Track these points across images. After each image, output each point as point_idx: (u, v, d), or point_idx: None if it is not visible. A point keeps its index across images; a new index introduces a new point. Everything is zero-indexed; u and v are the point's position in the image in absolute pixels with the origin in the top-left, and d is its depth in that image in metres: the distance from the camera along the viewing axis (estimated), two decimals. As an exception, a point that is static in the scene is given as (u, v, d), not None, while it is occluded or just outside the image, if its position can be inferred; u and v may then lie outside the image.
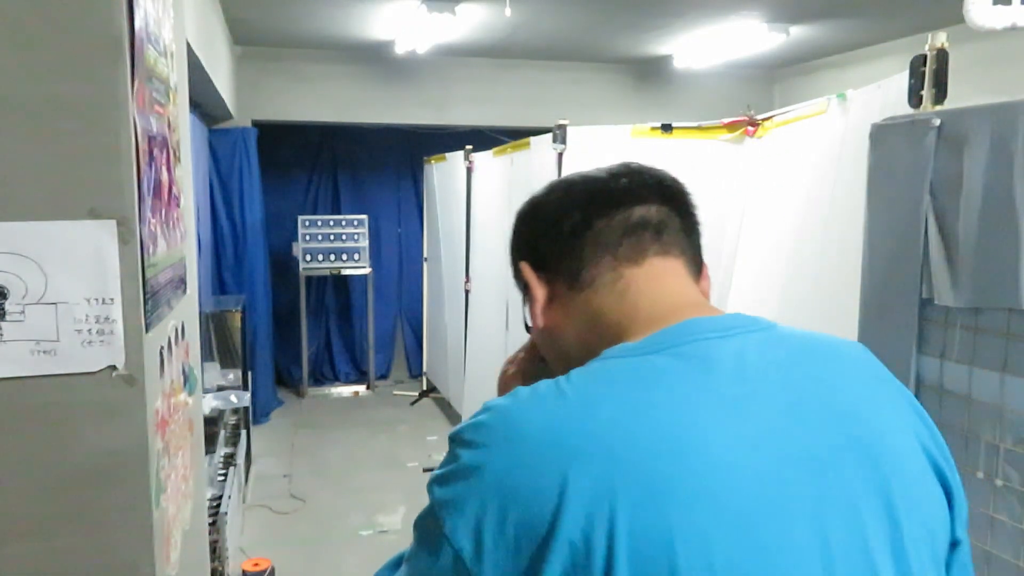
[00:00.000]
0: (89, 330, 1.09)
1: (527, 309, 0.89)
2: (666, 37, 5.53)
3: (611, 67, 6.70)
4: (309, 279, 6.90)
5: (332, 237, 6.82)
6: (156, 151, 1.28)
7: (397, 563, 0.80)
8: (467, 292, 5.34)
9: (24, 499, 1.10)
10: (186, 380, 1.56)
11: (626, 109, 6.59)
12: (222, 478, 3.62)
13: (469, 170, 5.29)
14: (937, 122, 1.88)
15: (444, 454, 0.72)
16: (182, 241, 1.57)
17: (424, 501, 0.71)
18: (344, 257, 6.84)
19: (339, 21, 5.11)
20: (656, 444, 0.66)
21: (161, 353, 1.29)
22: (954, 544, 0.77)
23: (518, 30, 5.28)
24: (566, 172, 1.48)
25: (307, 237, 6.75)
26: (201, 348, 2.15)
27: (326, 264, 6.79)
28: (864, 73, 5.43)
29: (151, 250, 1.21)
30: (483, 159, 5.06)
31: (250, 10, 4.82)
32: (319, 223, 6.83)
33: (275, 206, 6.78)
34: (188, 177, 1.74)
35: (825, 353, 0.79)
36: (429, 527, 0.70)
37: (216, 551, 3.10)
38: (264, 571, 3.46)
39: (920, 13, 4.65)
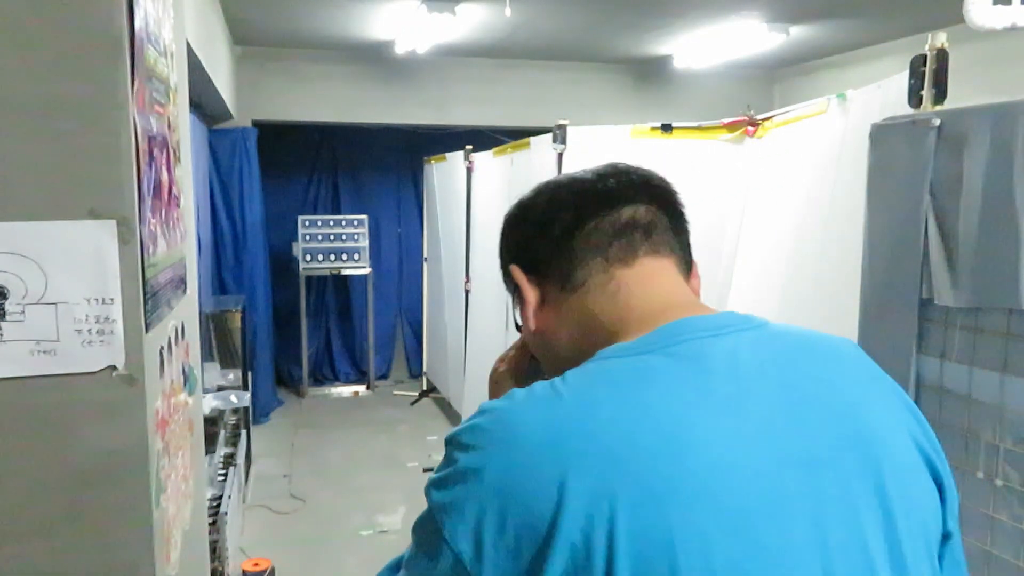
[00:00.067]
0: (89, 330, 1.09)
1: (518, 311, 0.89)
2: (666, 37, 5.53)
3: (611, 67, 6.70)
4: (309, 279, 6.90)
5: (332, 237, 6.82)
6: (156, 151, 1.28)
7: (396, 567, 0.80)
8: (467, 292, 5.34)
9: (24, 499, 1.10)
10: (186, 380, 1.56)
11: (626, 109, 6.59)
12: (222, 478, 3.62)
13: (469, 170, 5.29)
14: (937, 122, 1.88)
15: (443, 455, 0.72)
16: (182, 241, 1.57)
17: (424, 502, 0.71)
18: (344, 257, 6.84)
19: (339, 21, 5.11)
20: (655, 444, 0.66)
21: (161, 353, 1.29)
22: (946, 536, 0.77)
23: (518, 30, 5.28)
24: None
25: (307, 237, 6.75)
26: (201, 348, 2.15)
27: (326, 264, 6.79)
28: (864, 73, 5.43)
29: (151, 250, 1.21)
30: (483, 159, 5.06)
31: (250, 10, 4.82)
32: (319, 223, 6.83)
33: (275, 206, 6.77)
34: (188, 177, 1.74)
35: (819, 351, 0.79)
36: (428, 531, 0.70)
37: (216, 551, 3.10)
38: (264, 571, 3.46)
39: (920, 13, 4.65)
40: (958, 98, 1.99)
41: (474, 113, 6.54)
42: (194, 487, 1.63)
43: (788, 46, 5.61)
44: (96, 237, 1.08)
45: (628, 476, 0.64)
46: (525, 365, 0.99)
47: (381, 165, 7.40)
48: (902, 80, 2.08)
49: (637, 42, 5.74)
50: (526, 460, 0.66)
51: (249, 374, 5.22)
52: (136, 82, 1.13)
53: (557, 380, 0.72)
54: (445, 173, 6.04)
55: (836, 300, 2.46)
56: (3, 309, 1.06)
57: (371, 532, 4.28)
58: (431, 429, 5.95)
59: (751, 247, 3.27)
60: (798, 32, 5.23)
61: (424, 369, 7.07)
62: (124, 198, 1.10)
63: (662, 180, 0.88)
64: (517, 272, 0.87)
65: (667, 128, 3.36)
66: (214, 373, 4.55)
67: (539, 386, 0.72)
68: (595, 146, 3.38)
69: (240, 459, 4.28)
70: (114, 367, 1.11)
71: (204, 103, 4.78)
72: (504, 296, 0.90)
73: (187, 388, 1.57)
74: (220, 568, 3.15)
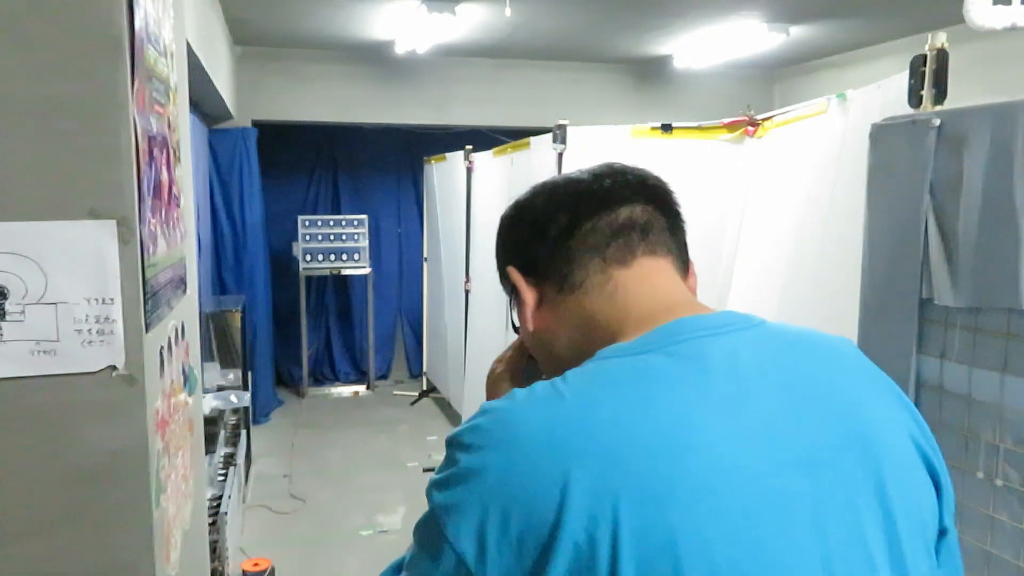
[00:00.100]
0: (89, 330, 1.09)
1: (515, 312, 0.89)
2: (666, 37, 5.53)
3: (611, 67, 6.70)
4: (309, 279, 6.90)
5: (332, 237, 6.82)
6: (156, 151, 1.28)
7: (397, 568, 0.80)
8: (467, 292, 5.34)
9: (24, 499, 1.10)
10: (186, 380, 1.56)
11: (626, 109, 6.59)
12: (222, 478, 3.62)
13: (469, 170, 5.29)
14: (937, 122, 1.88)
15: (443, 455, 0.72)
16: (182, 241, 1.57)
17: (424, 502, 0.71)
18: (344, 257, 6.84)
19: (339, 21, 5.11)
20: (656, 444, 0.66)
21: (161, 353, 1.29)
22: (942, 532, 0.77)
23: (518, 30, 5.28)
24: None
25: (307, 237, 6.75)
26: (201, 348, 2.15)
27: (326, 264, 6.79)
28: (864, 73, 5.43)
29: (151, 250, 1.21)
30: (483, 159, 5.06)
31: (250, 10, 4.82)
32: (319, 223, 6.83)
33: (275, 206, 6.78)
34: (188, 177, 1.74)
35: (818, 350, 0.80)
36: (430, 532, 0.70)
37: (216, 551, 3.10)
38: (264, 571, 3.46)
39: (920, 13, 4.65)
40: (958, 98, 1.99)
41: (474, 113, 6.54)
42: (194, 487, 1.63)
43: (788, 46, 5.61)
44: (96, 237, 1.08)
45: (629, 476, 0.64)
46: (523, 366, 0.99)
47: (381, 165, 7.40)
48: (902, 80, 2.08)
49: (637, 42, 5.74)
50: (528, 460, 0.66)
51: (249, 374, 5.22)
52: (136, 82, 1.13)
53: (558, 380, 0.72)
54: (445, 173, 6.04)
55: (836, 300, 2.46)
56: (3, 309, 1.06)
57: (371, 532, 4.28)
58: (431, 429, 5.95)
59: (751, 247, 3.27)
60: (798, 32, 5.23)
61: (424, 369, 7.07)
62: (124, 198, 1.10)
63: (658, 180, 0.88)
64: (514, 273, 0.87)
65: (667, 128, 3.36)
66: (214, 373, 4.55)
67: (540, 386, 0.72)
68: (595, 146, 3.38)
69: (240, 459, 4.28)
70: (114, 367, 1.11)
71: (204, 103, 4.78)
72: (504, 296, 0.90)
73: (187, 388, 1.57)
74: (220, 568, 3.15)
